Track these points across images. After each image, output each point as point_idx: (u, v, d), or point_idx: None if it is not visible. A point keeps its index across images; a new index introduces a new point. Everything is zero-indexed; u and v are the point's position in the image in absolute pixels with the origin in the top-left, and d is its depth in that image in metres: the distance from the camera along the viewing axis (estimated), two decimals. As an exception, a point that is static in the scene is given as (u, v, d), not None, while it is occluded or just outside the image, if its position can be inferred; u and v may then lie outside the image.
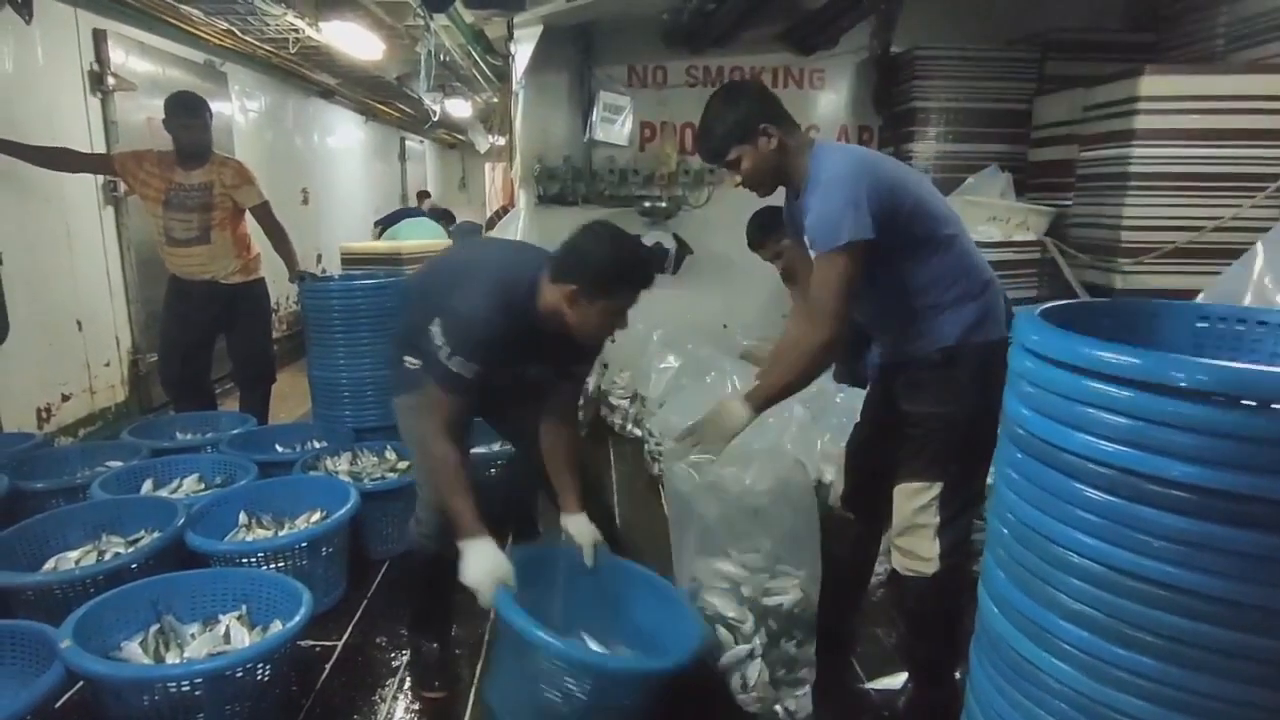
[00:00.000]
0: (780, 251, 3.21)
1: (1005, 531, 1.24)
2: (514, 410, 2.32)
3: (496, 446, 3.29)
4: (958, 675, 2.10)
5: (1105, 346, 1.05)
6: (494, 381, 1.96)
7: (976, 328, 1.93)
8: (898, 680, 2.28)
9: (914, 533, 1.97)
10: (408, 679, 2.33)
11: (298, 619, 2.02)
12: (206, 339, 3.97)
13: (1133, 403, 1.01)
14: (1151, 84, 3.36)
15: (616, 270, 1.87)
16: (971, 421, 1.85)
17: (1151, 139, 3.39)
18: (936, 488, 1.93)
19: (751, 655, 2.10)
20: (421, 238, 7.11)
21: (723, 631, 2.12)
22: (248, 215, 3.91)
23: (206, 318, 3.88)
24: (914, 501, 1.96)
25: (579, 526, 2.13)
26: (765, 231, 3.23)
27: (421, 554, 2.23)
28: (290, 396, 4.85)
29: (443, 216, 9.03)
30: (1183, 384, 0.96)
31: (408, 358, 2.12)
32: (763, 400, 1.97)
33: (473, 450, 3.31)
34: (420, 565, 2.26)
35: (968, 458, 1.91)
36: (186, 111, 3.69)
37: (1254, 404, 0.93)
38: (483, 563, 1.87)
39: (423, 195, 10.81)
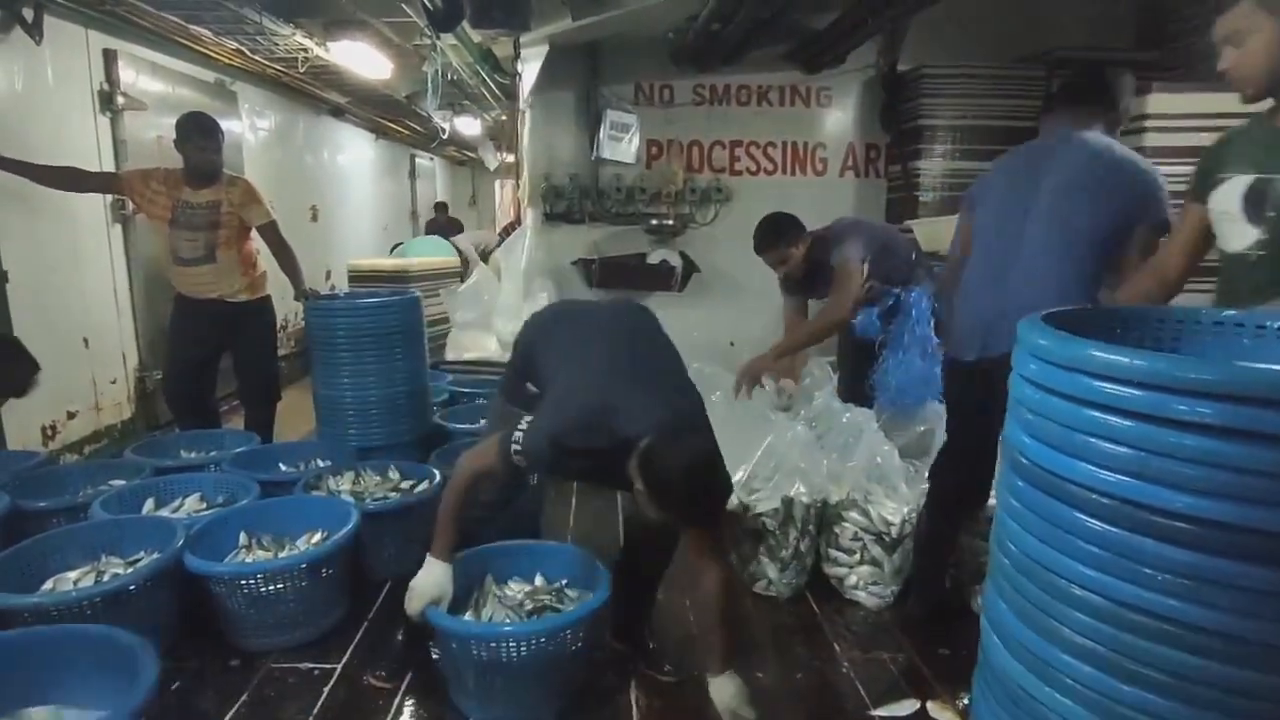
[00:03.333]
0: (785, 258, 3.21)
1: (1007, 562, 1.21)
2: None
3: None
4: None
5: (1108, 349, 1.04)
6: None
7: None
8: (904, 708, 2.24)
9: None
10: (408, 702, 2.30)
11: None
12: (212, 357, 3.97)
13: (1134, 432, 0.98)
14: (1159, 101, 3.35)
15: (675, 497, 1.85)
16: None
17: (1159, 156, 3.35)
18: None
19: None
20: (431, 255, 7.17)
21: None
22: (254, 233, 3.92)
23: (212, 336, 3.88)
24: None
25: (723, 692, 2.00)
26: (776, 235, 3.23)
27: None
28: (296, 414, 4.84)
29: (447, 226, 9.13)
30: (1192, 388, 0.94)
31: (529, 383, 2.26)
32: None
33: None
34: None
35: None
36: (201, 134, 3.69)
37: (1260, 434, 0.91)
38: (431, 578, 2.10)
39: (440, 207, 11.01)
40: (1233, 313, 1.36)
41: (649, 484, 1.83)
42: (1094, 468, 1.03)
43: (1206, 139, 3.26)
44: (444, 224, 10.04)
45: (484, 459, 2.06)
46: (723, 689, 1.99)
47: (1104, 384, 1.02)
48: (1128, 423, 0.99)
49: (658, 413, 1.90)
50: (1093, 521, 1.05)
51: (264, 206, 3.86)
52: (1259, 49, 1.60)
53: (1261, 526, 0.92)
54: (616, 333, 2.24)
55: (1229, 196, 1.65)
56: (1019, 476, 1.18)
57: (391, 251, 8.15)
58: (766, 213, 3.35)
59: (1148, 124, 3.36)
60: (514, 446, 1.96)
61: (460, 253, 7.63)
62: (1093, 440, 1.03)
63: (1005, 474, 1.25)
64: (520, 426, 1.97)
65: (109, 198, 4.49)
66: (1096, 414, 1.03)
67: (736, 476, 2.69)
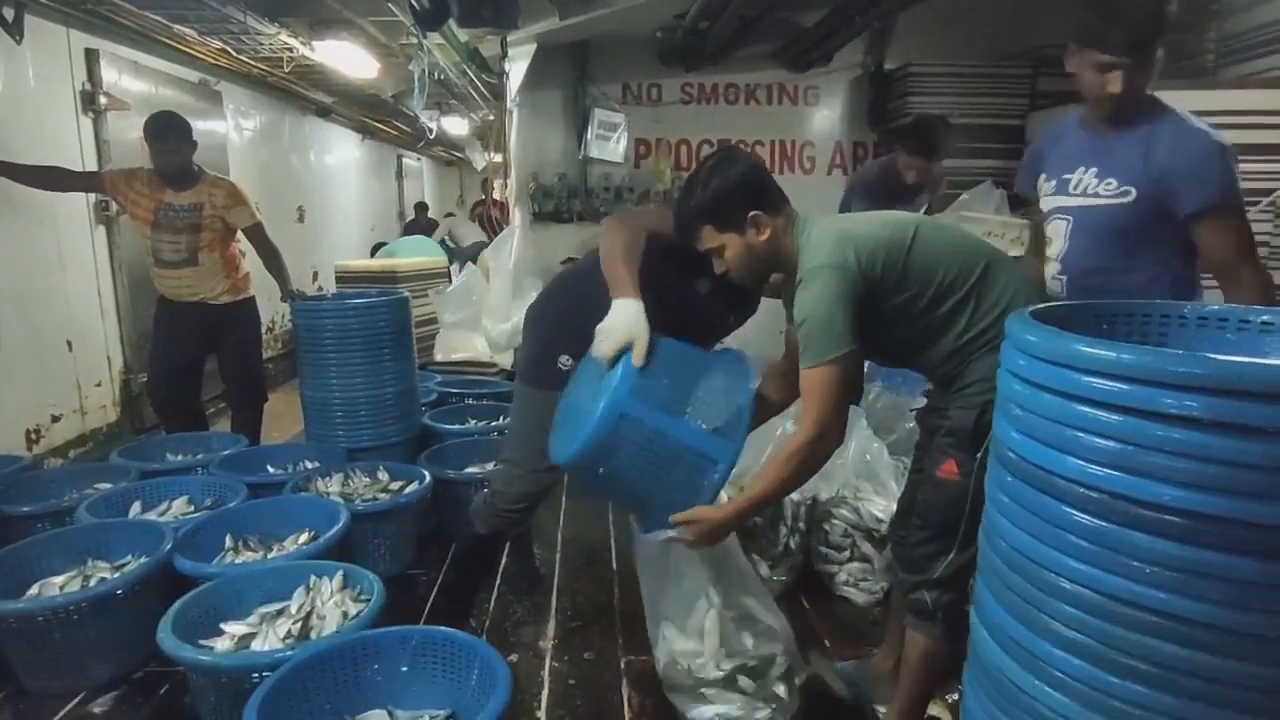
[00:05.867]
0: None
1: (996, 557, 1.21)
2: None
3: (490, 467, 3.28)
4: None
5: (1095, 343, 1.03)
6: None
7: None
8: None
9: None
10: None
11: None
12: (196, 360, 3.93)
13: (1122, 426, 0.99)
14: (1144, 99, 3.36)
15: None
16: None
17: (1145, 154, 3.39)
18: None
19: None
20: (415, 255, 7.14)
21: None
22: (239, 234, 3.89)
23: (196, 338, 3.85)
24: None
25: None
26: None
27: (491, 526, 2.38)
28: (284, 416, 4.82)
29: (427, 226, 9.16)
30: (1179, 381, 0.94)
31: (562, 357, 2.20)
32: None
33: (466, 469, 3.34)
34: (487, 537, 2.40)
35: None
36: (156, 136, 3.62)
37: (1247, 427, 0.91)
38: (623, 316, 1.90)
39: (420, 207, 10.97)
40: (1215, 307, 1.37)
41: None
42: (1082, 462, 1.03)
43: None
44: (424, 225, 10.00)
45: (620, 225, 2.07)
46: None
47: (1091, 378, 1.02)
48: (1115, 417, 0.99)
49: None
50: (1081, 516, 1.05)
51: (249, 208, 3.82)
52: (734, 256, 1.85)
53: (1249, 519, 0.92)
54: None
55: None
56: (1008, 471, 1.18)
57: (374, 253, 8.11)
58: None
59: (1132, 121, 3.37)
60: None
61: (443, 242, 7.68)
62: (1081, 435, 1.03)
63: (994, 469, 1.25)
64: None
65: (93, 199, 4.46)
66: (1084, 408, 1.03)
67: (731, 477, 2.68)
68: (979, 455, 1.71)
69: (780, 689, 2.08)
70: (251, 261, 4.00)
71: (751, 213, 1.80)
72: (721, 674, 2.06)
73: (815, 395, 1.72)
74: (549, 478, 2.34)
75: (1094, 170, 1.94)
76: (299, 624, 2.11)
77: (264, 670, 1.84)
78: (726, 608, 2.12)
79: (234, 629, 2.13)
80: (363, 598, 2.19)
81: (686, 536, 1.89)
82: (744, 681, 2.07)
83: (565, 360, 2.18)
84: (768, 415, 2.15)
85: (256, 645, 2.07)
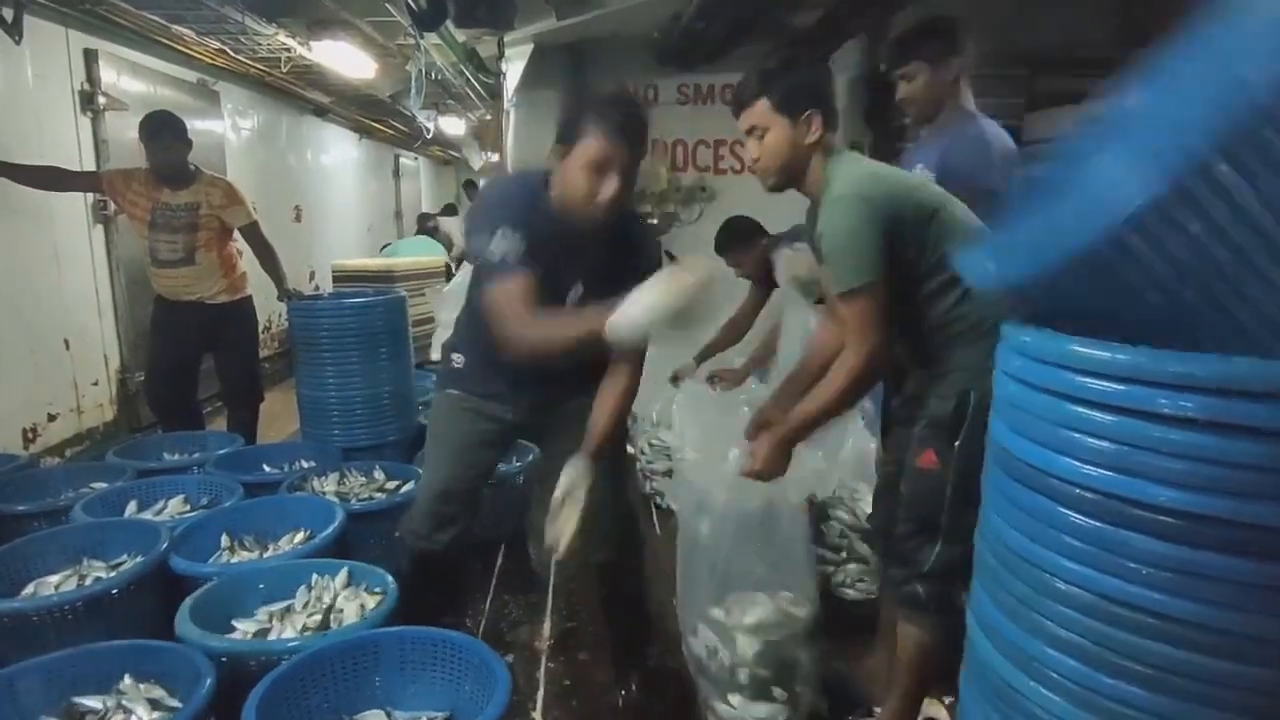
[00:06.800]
0: (741, 261, 3.26)
1: (992, 557, 1.22)
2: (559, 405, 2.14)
3: (515, 462, 3.32)
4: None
5: (1090, 343, 1.02)
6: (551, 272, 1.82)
7: None
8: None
9: None
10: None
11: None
12: (193, 359, 3.93)
13: (1117, 427, 0.99)
14: (1140, 101, 3.36)
15: (588, 107, 1.78)
16: None
17: (1141, 155, 3.39)
18: None
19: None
20: (421, 254, 7.17)
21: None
22: (236, 233, 3.89)
23: (193, 337, 3.84)
24: None
25: (573, 467, 1.90)
26: (734, 240, 3.29)
27: (412, 554, 2.23)
28: (281, 415, 4.82)
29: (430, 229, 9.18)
30: (1174, 382, 0.94)
31: (454, 354, 2.15)
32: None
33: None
34: (412, 566, 2.24)
35: None
36: (150, 136, 3.64)
37: (1242, 427, 0.91)
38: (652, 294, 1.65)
39: (424, 218, 11.00)
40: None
41: (579, 131, 1.75)
42: (1078, 463, 1.04)
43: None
44: (429, 228, 10.00)
45: (503, 298, 1.79)
46: (577, 465, 1.90)
47: (1086, 379, 1.02)
48: (1110, 417, 1.00)
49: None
50: (1077, 516, 1.05)
51: (245, 208, 3.82)
52: (774, 142, 1.82)
53: (1245, 519, 0.92)
54: None
55: None
56: (1004, 472, 1.19)
57: (382, 251, 8.16)
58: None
59: (1129, 123, 3.37)
60: (496, 246, 1.77)
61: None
62: (1076, 435, 1.04)
63: (990, 470, 1.25)
64: (476, 252, 1.84)
65: (90, 198, 4.45)
66: (1080, 409, 1.03)
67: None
68: (956, 444, 1.72)
69: (801, 690, 2.10)
70: (249, 260, 4.00)
71: (810, 110, 1.80)
72: (757, 679, 2.07)
73: (854, 324, 1.74)
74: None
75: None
76: (317, 618, 2.10)
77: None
78: (780, 608, 2.13)
79: (246, 626, 2.13)
80: (376, 591, 2.19)
81: (750, 470, 1.90)
82: (777, 692, 2.08)
83: (458, 358, 2.13)
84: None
85: (272, 639, 2.07)
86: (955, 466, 1.73)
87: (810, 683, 2.12)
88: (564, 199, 1.81)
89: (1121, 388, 0.98)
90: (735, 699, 2.07)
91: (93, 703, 1.84)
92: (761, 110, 1.82)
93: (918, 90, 2.40)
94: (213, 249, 3.76)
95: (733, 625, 2.10)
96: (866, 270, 1.70)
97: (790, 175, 1.86)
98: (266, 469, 3.40)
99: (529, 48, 4.41)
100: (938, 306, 1.80)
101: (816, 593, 2.18)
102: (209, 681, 1.76)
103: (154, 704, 1.83)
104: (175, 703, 1.82)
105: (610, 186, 1.77)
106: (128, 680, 1.88)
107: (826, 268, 1.77)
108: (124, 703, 1.83)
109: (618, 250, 1.91)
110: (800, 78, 1.81)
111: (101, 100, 4.51)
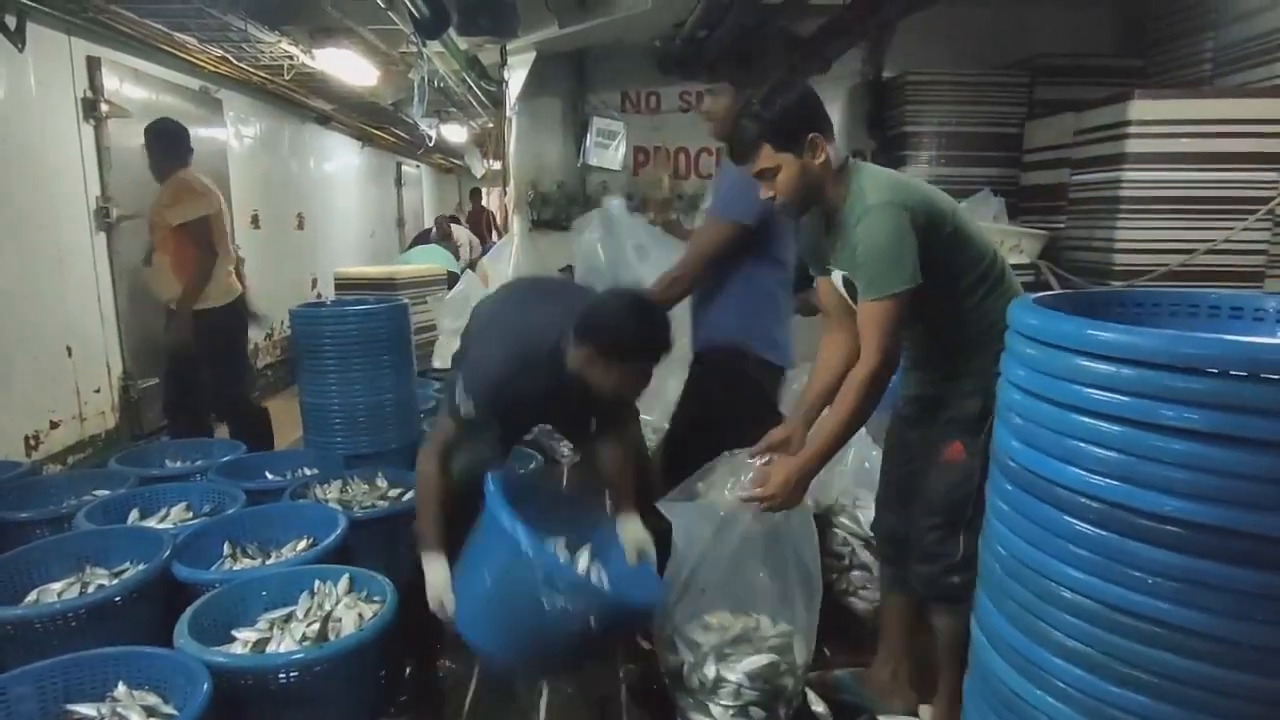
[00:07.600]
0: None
1: (997, 565, 1.22)
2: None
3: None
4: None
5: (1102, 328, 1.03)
6: (514, 424, 2.08)
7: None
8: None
9: None
10: None
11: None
12: (186, 364, 3.92)
13: (1123, 437, 0.99)
14: (1141, 108, 3.37)
15: (630, 339, 1.87)
16: None
17: (1142, 162, 3.40)
18: None
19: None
20: (433, 262, 7.21)
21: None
22: (229, 243, 3.88)
23: (178, 343, 3.84)
24: None
25: (628, 527, 2.11)
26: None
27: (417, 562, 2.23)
28: (284, 423, 4.82)
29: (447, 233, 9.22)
30: (1179, 395, 0.94)
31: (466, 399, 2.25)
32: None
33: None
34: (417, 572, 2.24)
35: None
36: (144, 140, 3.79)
37: (1247, 439, 0.91)
38: (437, 576, 2.01)
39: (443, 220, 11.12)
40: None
41: (599, 345, 1.86)
42: (1083, 472, 1.04)
43: (1188, 144, 3.35)
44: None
45: (438, 429, 2.11)
46: (630, 525, 2.11)
47: (1091, 389, 1.02)
48: (1116, 428, 1.00)
49: (577, 306, 1.96)
50: (1082, 525, 1.05)
51: (184, 206, 3.73)
52: (788, 178, 1.85)
53: (1249, 529, 0.92)
54: (528, 286, 2.40)
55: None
56: (1008, 481, 1.19)
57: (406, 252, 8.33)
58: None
59: (1130, 130, 3.38)
60: (458, 398, 1.98)
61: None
62: (1081, 445, 1.04)
63: (994, 478, 1.25)
64: (458, 383, 2.01)
65: (92, 205, 4.48)
66: (1085, 419, 1.03)
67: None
68: (981, 436, 1.75)
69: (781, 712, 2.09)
70: (251, 270, 3.99)
71: (811, 134, 1.82)
72: (741, 701, 2.05)
73: (876, 327, 1.77)
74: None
75: None
76: (316, 626, 2.11)
77: (289, 670, 1.89)
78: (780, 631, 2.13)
79: (246, 635, 2.12)
80: (375, 599, 2.19)
81: (765, 497, 1.91)
82: (756, 712, 2.06)
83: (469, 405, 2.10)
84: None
85: (271, 649, 2.07)
86: (982, 455, 1.73)
87: (789, 704, 2.11)
88: (596, 389, 1.94)
89: (1127, 399, 0.99)
90: (716, 710, 2.07)
91: (87, 710, 1.83)
92: (767, 155, 1.85)
93: (720, 110, 2.41)
94: (166, 251, 3.73)
95: (721, 662, 2.09)
96: (907, 276, 1.74)
97: (809, 199, 1.90)
98: (269, 476, 3.40)
99: (531, 55, 4.43)
100: (960, 307, 1.85)
101: (816, 617, 2.14)
102: (205, 688, 1.76)
103: (149, 711, 1.82)
104: (170, 710, 1.82)
105: (643, 384, 1.99)
106: (122, 687, 1.88)
107: (860, 272, 1.80)
108: (119, 710, 1.82)
109: (586, 402, 2.07)
110: (790, 109, 1.83)
111: (104, 108, 4.52)
